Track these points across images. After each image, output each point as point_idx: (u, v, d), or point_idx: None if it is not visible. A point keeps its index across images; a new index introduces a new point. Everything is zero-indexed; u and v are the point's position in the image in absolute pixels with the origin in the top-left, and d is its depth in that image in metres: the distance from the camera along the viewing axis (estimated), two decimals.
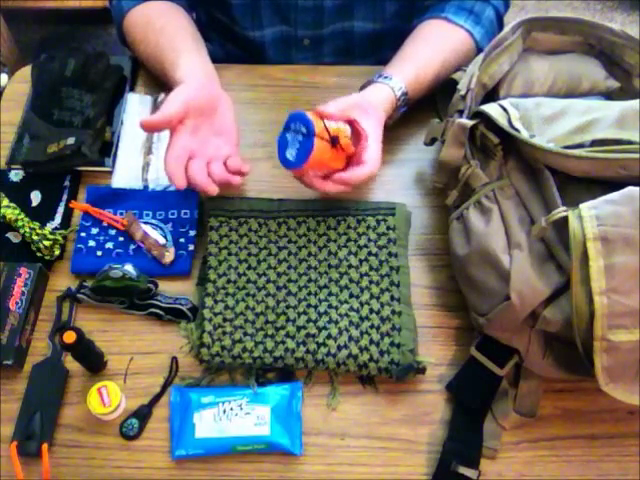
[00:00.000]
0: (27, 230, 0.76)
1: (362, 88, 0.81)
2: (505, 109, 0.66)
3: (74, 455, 0.66)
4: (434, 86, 0.84)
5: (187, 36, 0.85)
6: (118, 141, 0.86)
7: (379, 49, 1.00)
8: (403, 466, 0.66)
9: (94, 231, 0.79)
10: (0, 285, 0.72)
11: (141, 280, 0.73)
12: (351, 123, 0.73)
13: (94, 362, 0.70)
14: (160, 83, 0.92)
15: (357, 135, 0.73)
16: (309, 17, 0.94)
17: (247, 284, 0.74)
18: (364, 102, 0.76)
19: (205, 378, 0.70)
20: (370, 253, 0.75)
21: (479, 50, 0.87)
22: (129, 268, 0.73)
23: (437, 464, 0.65)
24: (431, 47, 0.85)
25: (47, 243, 0.76)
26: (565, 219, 0.57)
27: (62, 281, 0.76)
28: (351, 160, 0.74)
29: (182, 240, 0.78)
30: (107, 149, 0.85)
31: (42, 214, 0.80)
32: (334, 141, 0.69)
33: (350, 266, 0.75)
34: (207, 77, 0.79)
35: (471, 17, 0.87)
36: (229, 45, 1.04)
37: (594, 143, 0.62)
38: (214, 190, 0.73)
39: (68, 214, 0.81)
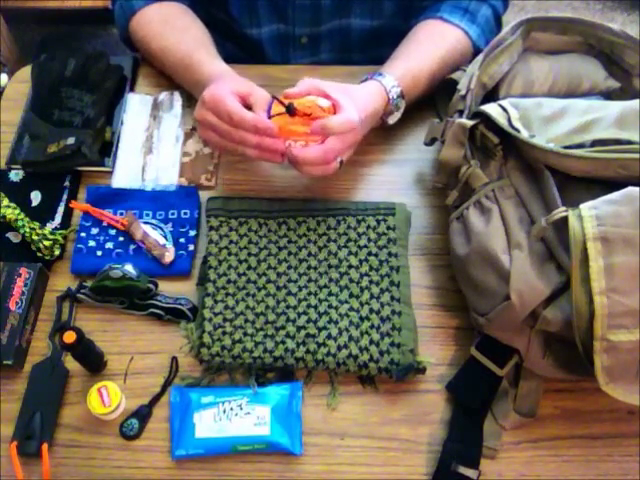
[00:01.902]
0: (27, 230, 0.76)
1: None
2: (505, 109, 0.66)
3: (74, 455, 0.66)
4: (431, 84, 0.84)
5: (211, 40, 0.89)
6: (118, 141, 0.86)
7: (377, 47, 1.00)
8: (403, 466, 0.66)
9: (94, 231, 0.79)
10: (0, 285, 0.72)
11: (141, 280, 0.73)
12: (325, 96, 0.74)
13: (94, 362, 0.70)
14: (160, 83, 0.92)
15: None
16: (307, 15, 0.94)
17: (247, 284, 0.74)
18: (346, 86, 0.76)
19: (205, 378, 0.70)
20: (370, 253, 0.75)
21: (476, 49, 0.87)
22: (129, 268, 0.73)
23: (437, 464, 0.65)
24: (425, 45, 0.85)
25: (47, 243, 0.76)
26: (565, 219, 0.57)
27: (62, 281, 0.76)
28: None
29: (182, 240, 0.78)
30: (107, 149, 0.85)
31: (42, 214, 0.80)
32: (289, 109, 0.71)
33: (350, 266, 0.75)
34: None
35: (466, 16, 0.87)
36: (228, 44, 1.04)
37: (594, 143, 0.62)
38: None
39: (68, 214, 0.81)
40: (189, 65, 0.83)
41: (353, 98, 0.74)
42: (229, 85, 0.74)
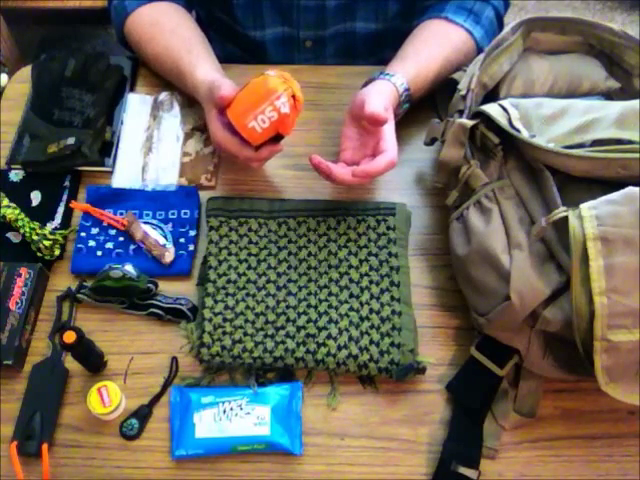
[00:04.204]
0: (27, 230, 0.76)
1: (364, 86, 0.81)
2: (505, 109, 0.66)
3: (74, 455, 0.66)
4: (436, 84, 0.84)
5: (200, 39, 0.87)
6: (118, 141, 0.86)
7: (380, 50, 1.00)
8: (403, 466, 0.66)
9: (94, 231, 0.79)
10: (0, 285, 0.72)
11: (141, 280, 0.73)
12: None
13: (94, 362, 0.70)
14: (160, 83, 0.92)
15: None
16: (311, 17, 0.94)
17: (247, 284, 0.74)
18: (386, 102, 0.75)
19: (205, 378, 0.70)
20: (370, 253, 0.75)
21: (479, 50, 0.87)
22: (129, 268, 0.73)
23: (437, 464, 0.65)
24: (431, 46, 0.85)
25: (47, 243, 0.76)
26: (565, 219, 0.57)
27: (62, 281, 0.76)
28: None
29: (182, 240, 0.78)
30: (107, 149, 0.85)
31: (42, 214, 0.80)
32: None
33: (350, 266, 0.75)
34: (224, 78, 0.79)
35: (471, 17, 0.87)
36: (229, 45, 1.04)
37: (594, 143, 0.62)
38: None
39: (68, 214, 0.81)
40: (178, 74, 0.83)
41: (388, 106, 0.75)
42: (214, 112, 0.74)
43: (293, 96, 0.70)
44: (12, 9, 1.95)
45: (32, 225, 0.77)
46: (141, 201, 0.81)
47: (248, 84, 0.71)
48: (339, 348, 0.69)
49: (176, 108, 0.89)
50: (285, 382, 0.69)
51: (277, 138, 0.73)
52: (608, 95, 0.76)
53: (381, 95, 0.75)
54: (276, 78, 0.70)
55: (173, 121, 0.88)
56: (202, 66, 0.81)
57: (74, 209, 0.81)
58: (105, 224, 0.79)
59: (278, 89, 0.69)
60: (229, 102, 0.72)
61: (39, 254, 0.76)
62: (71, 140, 0.82)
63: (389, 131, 0.74)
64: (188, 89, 0.83)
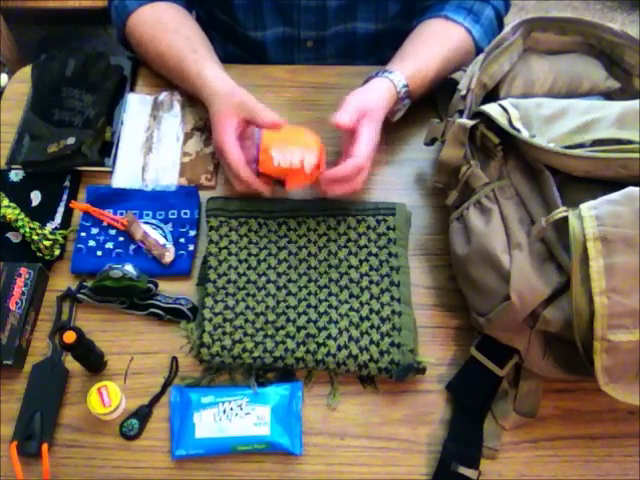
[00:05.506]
0: (27, 230, 0.76)
1: (363, 84, 0.81)
2: (505, 109, 0.66)
3: (74, 455, 0.66)
4: (435, 83, 0.84)
5: (202, 39, 0.87)
6: (118, 141, 0.86)
7: (380, 50, 1.00)
8: (403, 466, 0.66)
9: (94, 231, 0.79)
10: (0, 285, 0.72)
11: (141, 280, 0.73)
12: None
13: (94, 362, 0.70)
14: (160, 83, 0.92)
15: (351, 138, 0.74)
16: (312, 18, 0.94)
17: (247, 284, 0.74)
18: (362, 106, 0.75)
19: (205, 378, 0.70)
20: (370, 253, 0.75)
21: (478, 49, 0.87)
22: (129, 268, 0.73)
23: (437, 464, 0.65)
24: (431, 45, 0.85)
25: (47, 243, 0.76)
26: (565, 219, 0.57)
27: (62, 281, 0.76)
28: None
29: (182, 240, 0.78)
30: (107, 149, 0.85)
31: (42, 214, 0.80)
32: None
33: (350, 266, 0.75)
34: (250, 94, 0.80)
35: (470, 16, 0.87)
36: (230, 45, 1.04)
37: (594, 143, 0.62)
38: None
39: (68, 214, 0.81)
40: (181, 72, 0.83)
41: (373, 117, 0.75)
42: (230, 120, 0.75)
43: (318, 166, 0.73)
44: (12, 9, 1.95)
45: (32, 225, 0.77)
46: (141, 201, 0.81)
47: (294, 125, 0.75)
48: (339, 348, 0.69)
49: (176, 108, 0.89)
50: (285, 382, 0.69)
51: (276, 182, 0.76)
52: (608, 95, 0.76)
53: (370, 94, 0.77)
54: (316, 140, 0.74)
55: (173, 121, 0.88)
56: (210, 67, 0.81)
57: (74, 209, 0.81)
58: (105, 224, 0.79)
59: (316, 148, 0.73)
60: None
61: (39, 254, 0.76)
62: (71, 140, 0.82)
63: (365, 135, 0.74)
64: (191, 88, 0.83)
